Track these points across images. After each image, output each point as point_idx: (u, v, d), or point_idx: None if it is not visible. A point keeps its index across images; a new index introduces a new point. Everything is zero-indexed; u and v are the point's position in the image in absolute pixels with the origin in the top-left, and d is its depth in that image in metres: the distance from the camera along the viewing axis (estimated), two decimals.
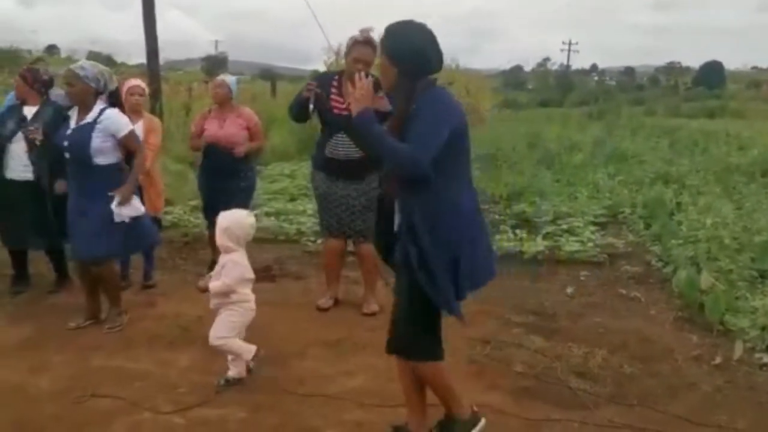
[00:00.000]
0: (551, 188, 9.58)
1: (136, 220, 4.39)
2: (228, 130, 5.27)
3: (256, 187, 5.85)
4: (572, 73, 78.87)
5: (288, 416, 3.32)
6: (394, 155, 2.61)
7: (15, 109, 5.00)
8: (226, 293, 3.65)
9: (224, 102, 5.33)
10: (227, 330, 3.66)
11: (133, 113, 5.07)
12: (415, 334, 2.82)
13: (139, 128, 5.05)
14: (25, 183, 4.86)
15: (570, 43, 70.64)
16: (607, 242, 6.67)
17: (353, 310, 4.83)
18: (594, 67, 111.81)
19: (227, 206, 5.33)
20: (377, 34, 4.40)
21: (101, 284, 4.53)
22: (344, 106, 4.46)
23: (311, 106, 4.47)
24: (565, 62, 77.12)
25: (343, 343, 4.25)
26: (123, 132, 4.33)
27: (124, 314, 4.55)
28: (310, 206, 7.98)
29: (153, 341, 4.29)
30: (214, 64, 57.01)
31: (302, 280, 5.66)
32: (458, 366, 3.90)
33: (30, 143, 4.84)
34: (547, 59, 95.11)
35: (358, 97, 2.71)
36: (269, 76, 30.80)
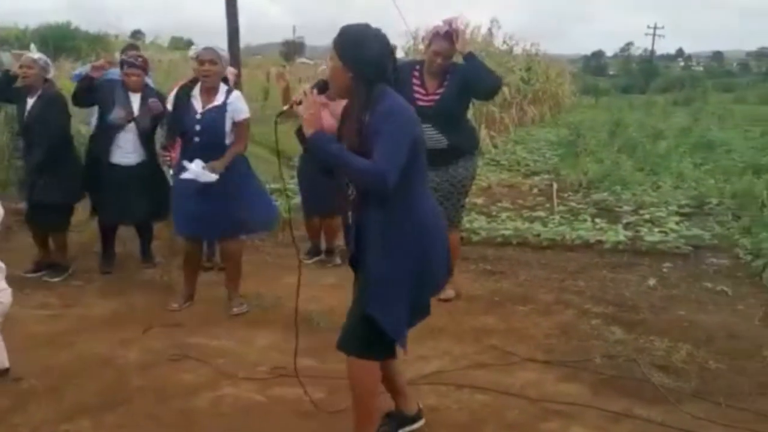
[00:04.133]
0: (633, 177, 9.32)
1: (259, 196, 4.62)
2: (328, 120, 5.33)
3: None
4: (657, 59, 76.13)
5: None
6: (361, 174, 2.49)
7: (122, 96, 5.04)
8: None
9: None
10: None
11: None
12: (362, 333, 2.69)
13: None
14: (130, 167, 5.06)
15: (655, 27, 68.01)
16: (692, 234, 6.41)
17: None
18: (680, 51, 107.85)
19: (329, 197, 5.44)
20: (462, 23, 4.40)
21: (228, 261, 4.65)
22: (427, 98, 4.47)
23: None
24: (649, 47, 74.42)
25: (419, 328, 4.24)
26: (241, 116, 4.42)
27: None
28: None
29: (233, 320, 4.41)
30: (292, 49, 57.68)
31: None
32: (534, 356, 3.86)
33: (142, 132, 5.06)
34: (630, 44, 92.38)
35: (308, 118, 2.57)
36: None
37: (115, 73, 5.31)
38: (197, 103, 4.36)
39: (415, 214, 2.61)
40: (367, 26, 2.60)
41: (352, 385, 2.78)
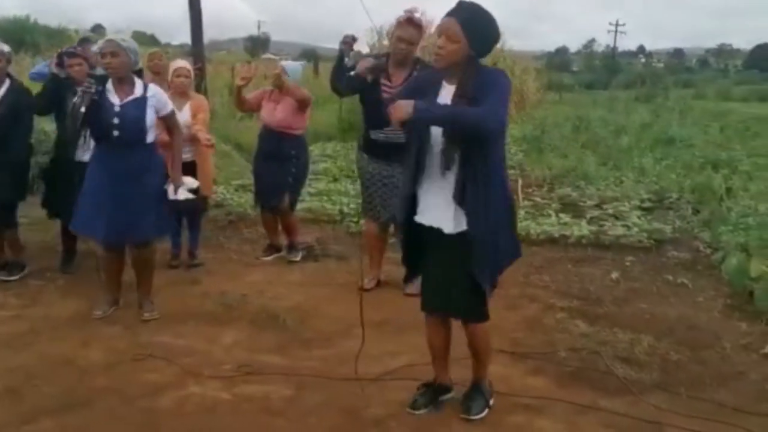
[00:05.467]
0: (597, 172, 9.44)
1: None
2: (279, 115, 5.31)
3: (308, 172, 5.86)
4: (619, 55, 77.26)
5: (331, 395, 3.35)
6: (478, 116, 2.67)
7: (69, 90, 4.71)
8: None
9: (281, 86, 5.34)
10: None
11: (179, 95, 5.12)
12: (478, 301, 2.97)
13: (186, 110, 5.11)
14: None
15: (617, 24, 69.11)
16: (653, 227, 6.53)
17: (396, 291, 4.84)
18: (641, 48, 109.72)
19: (277, 191, 5.40)
20: (422, 15, 4.45)
21: (143, 268, 4.43)
22: (393, 90, 4.42)
23: (347, 61, 4.48)
24: (611, 44, 75.51)
25: (386, 324, 4.27)
26: (167, 109, 4.27)
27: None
28: (353, 187, 8.00)
29: (198, 318, 4.36)
30: (257, 44, 57.24)
31: (345, 261, 5.67)
32: (502, 348, 3.89)
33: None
34: (592, 41, 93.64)
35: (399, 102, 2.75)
36: (311, 56, 30.80)
37: (44, 65, 5.23)
38: (113, 96, 4.13)
39: (503, 181, 2.94)
40: (483, 7, 2.78)
41: (477, 348, 3.10)
